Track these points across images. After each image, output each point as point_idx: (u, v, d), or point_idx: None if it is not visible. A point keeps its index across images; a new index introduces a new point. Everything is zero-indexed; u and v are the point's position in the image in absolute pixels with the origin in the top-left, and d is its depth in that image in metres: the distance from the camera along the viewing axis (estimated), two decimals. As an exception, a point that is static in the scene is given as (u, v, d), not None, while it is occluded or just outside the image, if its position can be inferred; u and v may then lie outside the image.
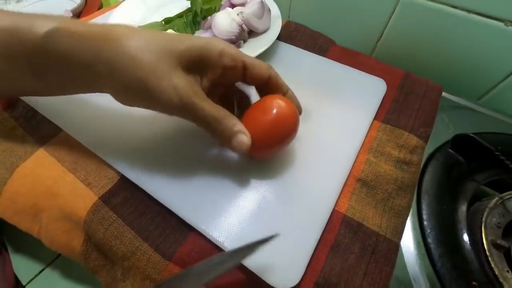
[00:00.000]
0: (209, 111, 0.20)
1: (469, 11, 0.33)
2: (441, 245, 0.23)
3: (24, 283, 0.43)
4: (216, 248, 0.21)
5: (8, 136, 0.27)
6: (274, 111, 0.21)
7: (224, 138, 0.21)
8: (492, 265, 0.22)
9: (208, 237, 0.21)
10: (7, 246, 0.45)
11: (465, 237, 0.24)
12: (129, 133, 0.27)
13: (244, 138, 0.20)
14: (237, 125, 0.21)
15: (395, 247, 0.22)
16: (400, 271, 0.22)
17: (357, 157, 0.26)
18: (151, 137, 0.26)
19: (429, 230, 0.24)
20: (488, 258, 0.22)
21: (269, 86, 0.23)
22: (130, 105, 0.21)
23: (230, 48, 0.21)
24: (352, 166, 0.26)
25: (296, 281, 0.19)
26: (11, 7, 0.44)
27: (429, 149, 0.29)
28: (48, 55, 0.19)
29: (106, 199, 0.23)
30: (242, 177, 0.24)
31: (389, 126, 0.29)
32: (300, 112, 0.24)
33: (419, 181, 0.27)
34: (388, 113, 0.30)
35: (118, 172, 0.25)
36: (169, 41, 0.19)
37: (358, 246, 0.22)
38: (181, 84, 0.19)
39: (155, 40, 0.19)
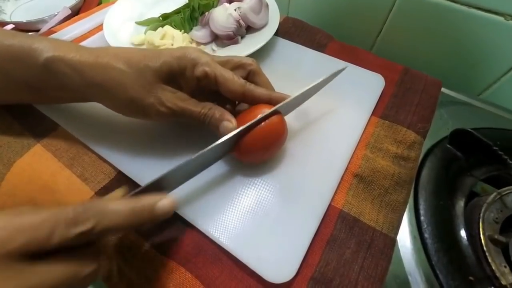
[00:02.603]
0: (196, 109, 0.22)
1: (469, 5, 0.33)
2: (438, 240, 0.23)
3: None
4: (213, 243, 0.21)
5: (5, 131, 0.27)
6: (262, 123, 0.22)
7: (213, 127, 0.23)
8: (489, 260, 0.22)
9: (205, 232, 0.21)
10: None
11: (462, 232, 0.24)
12: (126, 129, 0.27)
13: (228, 124, 0.22)
14: (221, 114, 0.22)
15: (392, 242, 0.22)
16: (396, 266, 0.22)
17: (354, 152, 0.26)
18: (148, 133, 0.26)
19: (425, 225, 0.24)
20: (485, 253, 0.22)
21: (246, 100, 0.23)
22: (125, 115, 0.23)
23: (203, 60, 0.22)
24: (349, 161, 0.26)
25: (291, 275, 0.19)
26: (10, 4, 0.44)
27: (427, 144, 0.29)
28: (46, 80, 0.22)
29: (102, 194, 0.23)
30: (239, 173, 0.24)
31: (387, 122, 0.29)
32: (290, 110, 0.24)
33: (417, 176, 0.27)
34: (387, 109, 0.30)
35: (115, 168, 0.25)
36: (147, 59, 0.21)
37: (354, 241, 0.22)
38: (165, 96, 0.21)
39: (135, 60, 0.21)
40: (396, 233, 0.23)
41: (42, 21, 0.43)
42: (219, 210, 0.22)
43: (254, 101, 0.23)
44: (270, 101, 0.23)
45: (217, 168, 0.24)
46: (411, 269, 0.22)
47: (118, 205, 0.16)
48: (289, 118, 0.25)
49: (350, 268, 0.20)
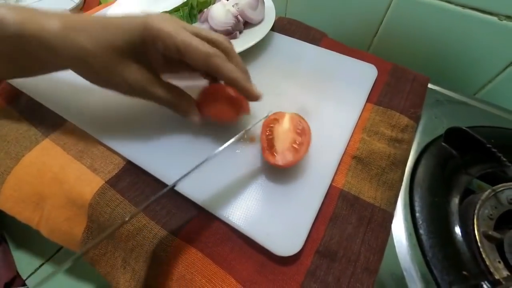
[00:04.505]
0: (161, 94, 0.22)
1: (463, 6, 0.34)
2: (433, 236, 0.23)
3: (24, 278, 0.44)
4: (222, 223, 0.22)
5: (12, 128, 0.28)
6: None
7: (180, 114, 0.24)
8: (484, 256, 0.22)
9: (215, 214, 0.22)
10: (7, 240, 0.45)
11: (457, 229, 0.24)
12: (134, 119, 0.27)
13: (194, 118, 0.24)
14: (186, 110, 0.23)
15: (390, 216, 0.23)
16: (392, 262, 0.22)
17: (352, 136, 0.28)
18: (156, 122, 0.27)
19: (421, 222, 0.24)
20: (479, 249, 0.22)
21: (211, 73, 0.22)
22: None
23: (165, 31, 0.20)
24: (348, 144, 0.27)
25: (298, 249, 0.20)
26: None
27: (422, 143, 0.30)
28: (18, 49, 0.21)
29: (113, 183, 0.24)
30: (246, 157, 0.25)
31: (381, 107, 0.31)
32: (255, 97, 0.23)
33: (412, 173, 0.27)
34: (380, 96, 0.32)
35: (124, 158, 0.26)
36: (109, 35, 0.20)
37: (355, 217, 0.23)
38: (131, 76, 0.21)
39: (98, 36, 0.20)
40: (394, 208, 0.24)
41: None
42: (228, 194, 0.23)
43: (220, 76, 0.22)
44: (235, 84, 0.22)
45: (225, 156, 0.25)
46: (406, 265, 0.22)
47: None
48: (292, 108, 0.26)
49: (352, 241, 0.22)
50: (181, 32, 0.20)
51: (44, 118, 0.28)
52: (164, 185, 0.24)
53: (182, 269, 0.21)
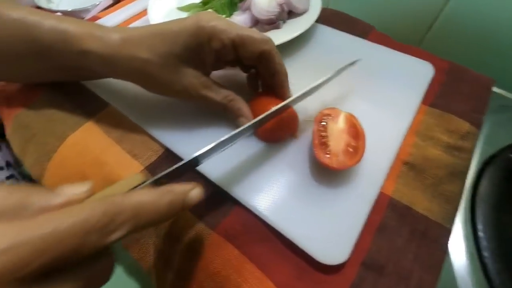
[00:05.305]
0: (216, 99, 0.23)
1: None
2: (500, 260, 0.21)
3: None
4: (261, 222, 0.21)
5: (58, 108, 0.29)
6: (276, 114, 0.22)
7: (231, 118, 0.24)
8: None
9: (255, 211, 0.21)
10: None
11: None
12: (174, 107, 0.27)
13: (243, 121, 0.23)
14: (239, 109, 0.23)
15: (447, 232, 0.21)
16: (449, 284, 0.20)
17: (404, 140, 0.25)
18: (198, 111, 0.27)
19: (485, 243, 0.21)
20: None
21: (260, 63, 0.22)
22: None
23: (218, 29, 0.21)
24: (399, 148, 0.25)
25: (343, 258, 0.19)
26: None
27: (484, 153, 0.26)
28: (80, 65, 0.23)
29: (151, 169, 0.24)
30: (289, 156, 0.24)
31: (437, 110, 0.28)
32: (286, 96, 0.24)
33: (474, 187, 0.25)
34: (436, 97, 0.29)
35: (162, 145, 0.25)
36: (166, 43, 0.21)
37: (406, 230, 0.21)
38: (189, 82, 0.22)
39: (157, 45, 0.21)
40: (452, 224, 0.21)
41: (86, 10, 0.45)
42: (269, 190, 0.22)
43: (269, 65, 0.22)
44: (278, 76, 0.23)
45: (268, 151, 0.24)
46: (465, 288, 0.20)
47: (156, 199, 0.13)
48: (337, 105, 0.24)
49: (403, 256, 0.20)
50: (233, 25, 0.21)
51: (88, 100, 0.29)
52: (201, 175, 0.23)
53: (217, 265, 0.20)
